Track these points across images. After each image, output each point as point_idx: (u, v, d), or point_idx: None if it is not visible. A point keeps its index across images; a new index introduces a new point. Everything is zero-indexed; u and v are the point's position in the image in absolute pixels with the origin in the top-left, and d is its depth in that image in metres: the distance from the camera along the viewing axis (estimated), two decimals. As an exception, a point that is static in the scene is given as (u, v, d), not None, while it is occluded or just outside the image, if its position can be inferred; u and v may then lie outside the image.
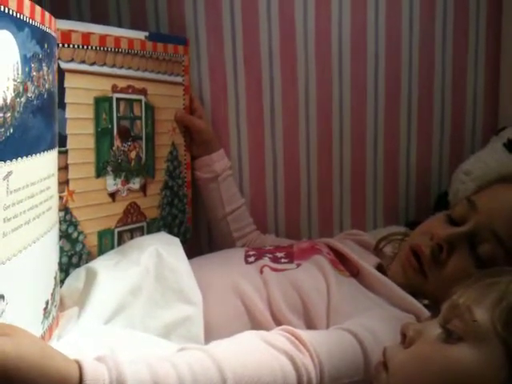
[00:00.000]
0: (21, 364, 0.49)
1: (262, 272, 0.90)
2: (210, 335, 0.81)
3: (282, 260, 0.94)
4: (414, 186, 1.29)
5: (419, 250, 0.87)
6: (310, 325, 0.82)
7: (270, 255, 0.95)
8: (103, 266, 0.86)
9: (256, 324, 0.83)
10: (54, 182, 0.74)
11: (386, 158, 1.27)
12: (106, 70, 0.93)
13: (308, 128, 1.24)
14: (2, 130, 0.55)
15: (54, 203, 0.75)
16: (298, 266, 0.92)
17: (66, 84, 0.86)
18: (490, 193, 0.88)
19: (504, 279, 0.62)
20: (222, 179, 1.18)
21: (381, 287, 0.87)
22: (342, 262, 0.94)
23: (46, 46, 0.67)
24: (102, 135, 0.93)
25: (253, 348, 0.65)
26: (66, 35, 0.85)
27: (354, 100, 1.24)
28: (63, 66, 0.85)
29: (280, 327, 0.70)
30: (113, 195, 0.97)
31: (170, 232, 1.08)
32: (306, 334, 0.68)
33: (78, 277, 0.85)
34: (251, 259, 0.94)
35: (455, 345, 0.59)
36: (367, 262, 0.92)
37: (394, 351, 0.65)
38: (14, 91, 0.57)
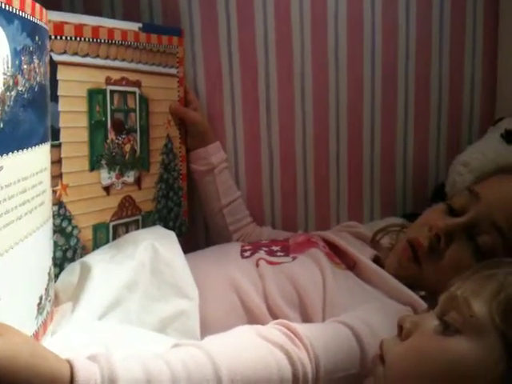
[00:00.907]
0: (11, 364, 0.49)
1: (257, 265, 0.90)
2: (206, 329, 0.81)
3: (278, 253, 0.94)
4: (410, 177, 1.29)
5: (417, 242, 0.87)
6: (306, 318, 0.82)
7: (266, 249, 0.96)
8: (98, 260, 0.85)
9: (252, 318, 0.83)
10: (46, 177, 0.73)
11: (382, 150, 1.27)
12: (99, 62, 0.92)
13: (304, 120, 1.23)
14: (-8, 124, 0.55)
15: (47, 198, 0.74)
16: (294, 259, 0.92)
17: (59, 76, 0.85)
18: (492, 183, 0.88)
19: (502, 271, 0.62)
20: (217, 171, 1.17)
21: (377, 279, 0.87)
22: (338, 254, 0.94)
23: (36, 38, 0.66)
24: (96, 128, 0.92)
25: (248, 343, 0.65)
26: (59, 27, 0.84)
27: (350, 92, 1.23)
28: (56, 58, 0.84)
29: (275, 321, 0.70)
30: (107, 189, 0.96)
31: (166, 225, 1.07)
32: (301, 328, 0.68)
33: (72, 271, 0.85)
34: (247, 254, 0.94)
35: (452, 337, 0.59)
36: (364, 255, 0.92)
37: (390, 344, 0.64)
38: (4, 85, 0.57)
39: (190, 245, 1.00)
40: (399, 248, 0.91)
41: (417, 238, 0.87)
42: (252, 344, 0.64)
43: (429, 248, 0.85)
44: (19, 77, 0.60)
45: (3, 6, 0.56)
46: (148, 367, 0.56)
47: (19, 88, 0.60)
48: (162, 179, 1.10)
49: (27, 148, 0.64)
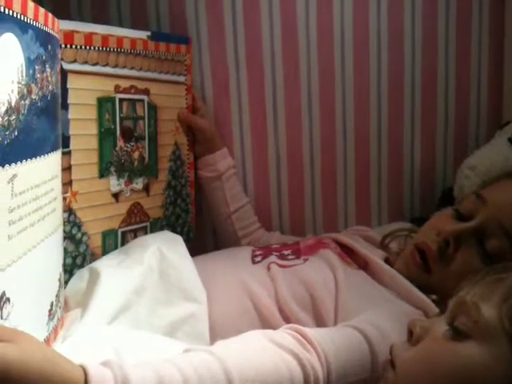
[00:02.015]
0: (25, 370, 0.49)
1: (269, 269, 0.90)
2: (217, 332, 0.81)
3: (289, 257, 0.94)
4: (418, 181, 1.29)
5: (425, 247, 0.87)
6: (318, 319, 0.82)
7: (277, 253, 0.95)
8: (106, 265, 0.86)
9: (264, 320, 0.83)
10: (57, 184, 0.74)
11: (389, 155, 1.27)
12: (108, 70, 0.93)
13: (311, 125, 1.23)
14: (7, 132, 0.55)
15: (58, 205, 0.75)
16: (305, 261, 0.92)
17: (69, 85, 0.85)
18: (500, 187, 0.88)
19: (511, 275, 0.62)
20: (225, 178, 1.18)
21: (389, 280, 0.87)
22: (350, 255, 0.94)
23: (49, 47, 0.67)
24: (105, 136, 0.93)
25: (259, 348, 0.65)
26: (69, 36, 0.85)
27: (357, 96, 1.23)
28: (66, 66, 0.84)
29: (286, 326, 0.70)
30: (116, 195, 0.97)
31: (173, 232, 1.06)
32: (312, 332, 0.68)
33: (81, 277, 0.85)
34: (258, 259, 0.95)
35: (462, 342, 0.59)
36: (375, 256, 0.92)
37: (400, 349, 0.64)
38: (19, 94, 0.57)
39: (197, 251, 1.00)
40: (407, 253, 0.91)
41: (425, 243, 0.87)
42: (263, 349, 0.64)
43: (437, 252, 0.85)
44: (33, 85, 0.61)
45: (18, 16, 0.57)
46: (160, 373, 0.56)
47: (33, 96, 0.61)
48: (170, 186, 1.11)
49: (40, 156, 0.64)
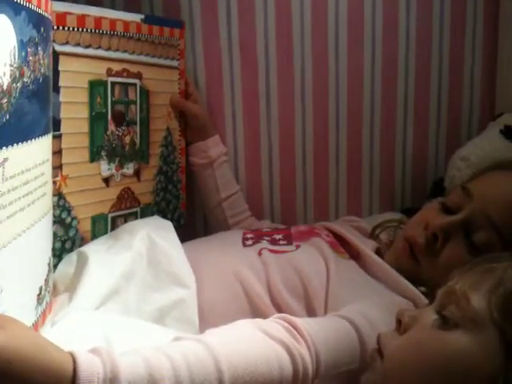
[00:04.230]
0: (13, 357, 0.49)
1: (260, 254, 0.90)
2: (207, 318, 0.81)
3: (281, 242, 0.94)
4: (410, 172, 1.29)
5: (413, 241, 0.87)
6: (309, 308, 0.83)
7: (268, 238, 0.96)
8: (94, 250, 0.86)
9: (254, 307, 0.83)
10: (48, 168, 0.73)
11: (382, 145, 1.27)
12: (101, 53, 0.92)
13: (304, 113, 1.23)
14: (-2, 116, 0.55)
15: (49, 189, 0.74)
16: (298, 247, 0.92)
17: (61, 67, 0.84)
18: (486, 180, 0.88)
19: (500, 265, 0.63)
20: (217, 165, 1.17)
21: (380, 272, 0.87)
22: (342, 244, 0.94)
23: (42, 29, 0.66)
24: (97, 119, 0.92)
25: (248, 337, 0.65)
26: (61, 17, 0.84)
27: (350, 86, 1.23)
28: (58, 48, 0.83)
29: (276, 315, 0.70)
30: (107, 180, 0.96)
31: (164, 218, 1.06)
32: (302, 322, 0.68)
33: (69, 262, 0.85)
34: (249, 242, 0.95)
35: (451, 331, 0.59)
36: (366, 246, 0.92)
37: (388, 338, 0.65)
38: (11, 76, 0.57)
39: (188, 237, 1.00)
40: (397, 245, 0.91)
41: (413, 237, 0.87)
42: (253, 338, 0.64)
43: (425, 246, 0.85)
44: (25, 68, 0.60)
45: (12, -3, 0.56)
46: (149, 361, 0.56)
47: (25, 79, 0.60)
48: (161, 172, 1.10)
49: (31, 139, 0.63)
